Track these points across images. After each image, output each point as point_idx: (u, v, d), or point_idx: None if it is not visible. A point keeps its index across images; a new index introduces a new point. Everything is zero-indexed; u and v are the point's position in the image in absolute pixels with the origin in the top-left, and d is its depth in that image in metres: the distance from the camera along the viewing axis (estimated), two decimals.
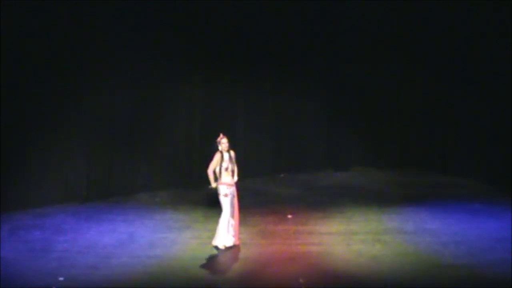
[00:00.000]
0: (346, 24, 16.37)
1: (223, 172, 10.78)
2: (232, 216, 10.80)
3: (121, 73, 14.09)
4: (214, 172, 10.76)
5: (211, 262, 10.36)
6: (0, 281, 9.30)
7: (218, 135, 10.87)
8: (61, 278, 9.48)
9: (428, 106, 16.35)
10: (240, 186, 14.39)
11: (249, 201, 13.85)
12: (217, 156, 10.79)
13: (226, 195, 10.74)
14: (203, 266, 10.23)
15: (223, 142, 10.79)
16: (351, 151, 17.05)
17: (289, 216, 12.72)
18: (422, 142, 16.56)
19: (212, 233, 10.92)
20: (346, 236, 11.45)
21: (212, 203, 11.48)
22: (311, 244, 11.09)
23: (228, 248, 10.73)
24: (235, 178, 10.94)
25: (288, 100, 16.39)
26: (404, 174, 16.18)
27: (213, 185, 10.75)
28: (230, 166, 10.81)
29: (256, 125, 15.96)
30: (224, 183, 10.77)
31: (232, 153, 10.90)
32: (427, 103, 16.34)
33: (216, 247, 10.74)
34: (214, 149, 10.81)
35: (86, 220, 12.49)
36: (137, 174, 14.60)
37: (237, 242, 10.92)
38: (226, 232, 10.74)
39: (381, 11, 16.22)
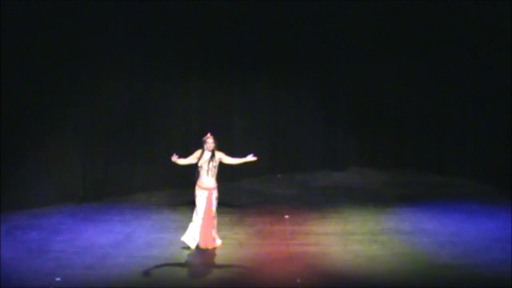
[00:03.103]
0: (344, 24, 16.36)
1: (201, 172, 10.72)
2: (201, 218, 10.71)
3: (117, 73, 14.09)
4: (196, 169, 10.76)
5: (208, 262, 10.37)
6: None
7: (206, 134, 10.85)
8: (58, 279, 9.47)
9: (425, 106, 16.35)
10: (237, 186, 14.48)
11: (246, 201, 13.89)
12: (196, 153, 10.74)
13: (194, 196, 10.72)
14: (200, 266, 10.25)
15: (208, 142, 10.71)
16: (348, 151, 17.05)
17: (286, 217, 12.72)
18: (419, 142, 16.55)
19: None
20: (343, 237, 11.46)
21: None
22: (308, 244, 11.09)
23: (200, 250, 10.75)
24: (249, 158, 10.75)
25: (285, 100, 16.40)
26: (401, 174, 16.19)
27: (176, 159, 10.64)
28: (205, 166, 10.66)
29: (252, 125, 15.95)
30: (198, 185, 10.74)
31: (218, 154, 10.74)
32: (424, 103, 16.33)
33: (183, 242, 10.78)
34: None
35: (83, 221, 12.48)
36: (134, 174, 14.60)
37: (209, 245, 10.78)
38: (192, 230, 10.72)
39: (379, 12, 16.21)
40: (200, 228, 10.72)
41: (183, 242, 10.77)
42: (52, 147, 13.49)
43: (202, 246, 10.75)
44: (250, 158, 10.79)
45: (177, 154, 10.68)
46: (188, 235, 10.77)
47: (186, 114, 15.15)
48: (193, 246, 10.74)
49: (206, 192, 10.71)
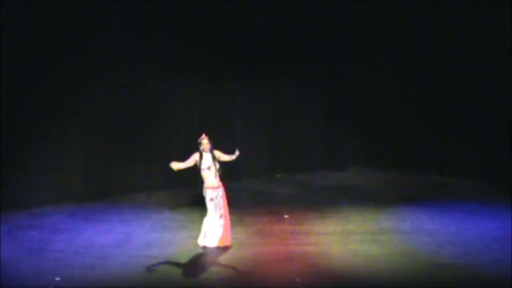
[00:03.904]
0: (344, 24, 16.35)
1: (206, 172, 10.69)
2: (220, 217, 10.77)
3: (117, 73, 14.09)
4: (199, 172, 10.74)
5: (208, 262, 10.38)
6: None
7: (201, 135, 10.83)
8: (58, 278, 9.48)
9: (425, 106, 16.33)
10: (237, 186, 14.47)
11: (246, 201, 13.88)
12: (194, 156, 10.72)
13: (211, 199, 10.73)
14: (200, 266, 10.24)
15: (203, 143, 10.69)
16: (348, 151, 17.04)
17: (286, 216, 12.71)
18: (419, 142, 16.54)
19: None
20: (343, 236, 11.45)
21: None
22: (308, 244, 11.09)
23: (218, 248, 10.78)
24: (235, 154, 10.72)
25: (285, 100, 16.38)
26: (401, 174, 16.17)
27: (174, 166, 10.60)
28: (212, 169, 10.66)
29: (253, 126, 15.94)
30: (209, 187, 10.73)
31: (217, 153, 10.74)
32: (424, 102, 16.32)
33: (204, 247, 10.78)
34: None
35: (83, 220, 12.48)
36: (134, 174, 14.60)
37: (228, 243, 10.87)
38: (212, 232, 10.75)
39: (379, 11, 16.20)
40: (222, 228, 10.78)
41: (204, 247, 10.80)
42: (52, 147, 13.50)
43: (222, 244, 10.81)
44: (237, 153, 10.75)
45: (176, 158, 10.69)
46: (208, 237, 10.82)
47: (186, 114, 15.15)
48: (216, 245, 10.83)
49: (220, 190, 10.78)
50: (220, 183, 10.82)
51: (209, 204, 10.76)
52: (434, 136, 16.28)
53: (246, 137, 15.75)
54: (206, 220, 10.83)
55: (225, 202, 10.89)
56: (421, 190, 14.72)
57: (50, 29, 13.13)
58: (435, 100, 16.11)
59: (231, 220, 11.09)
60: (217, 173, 10.74)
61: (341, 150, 16.93)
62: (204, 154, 10.70)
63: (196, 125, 15.02)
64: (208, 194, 10.75)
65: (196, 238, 10.98)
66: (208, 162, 10.69)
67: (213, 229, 10.78)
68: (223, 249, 10.75)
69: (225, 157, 10.82)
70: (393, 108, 16.75)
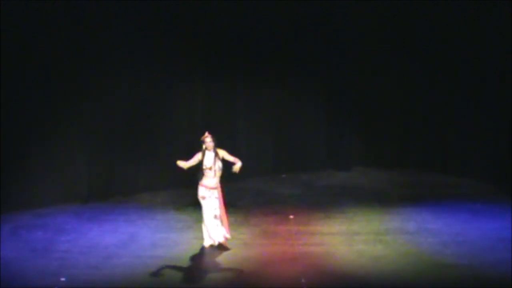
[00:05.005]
0: (346, 24, 16.33)
1: (207, 172, 10.65)
2: (215, 217, 10.71)
3: (121, 73, 14.09)
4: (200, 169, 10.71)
5: (213, 262, 10.38)
6: (1, 281, 9.32)
7: (204, 133, 10.82)
8: (62, 279, 9.49)
9: (429, 106, 16.33)
10: (241, 186, 14.46)
11: (251, 201, 13.87)
12: (197, 155, 10.69)
13: (203, 198, 10.70)
14: (205, 266, 10.26)
15: (206, 141, 10.65)
16: (352, 151, 17.03)
17: (291, 217, 12.71)
18: (423, 142, 16.53)
19: None
20: (348, 237, 11.45)
21: None
22: (312, 244, 11.09)
23: (219, 246, 10.80)
24: (238, 164, 10.57)
25: (289, 100, 16.36)
26: (405, 174, 16.15)
27: (181, 164, 10.58)
28: (213, 166, 10.62)
29: (257, 125, 15.94)
30: (203, 185, 10.71)
31: (221, 152, 10.69)
32: (428, 102, 16.32)
33: (211, 246, 10.79)
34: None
35: (88, 220, 12.49)
36: (138, 174, 14.59)
37: (225, 239, 10.88)
38: (211, 231, 10.73)
39: (381, 11, 16.19)
40: (219, 227, 10.76)
41: (210, 246, 10.80)
42: (56, 147, 13.51)
43: (227, 238, 10.85)
44: (239, 164, 10.58)
45: (180, 158, 10.67)
46: (208, 237, 10.81)
47: (190, 114, 15.14)
48: (222, 240, 10.82)
49: (215, 192, 10.72)
50: (218, 185, 10.74)
51: (202, 202, 10.73)
52: (438, 135, 16.26)
53: (250, 137, 15.76)
54: (204, 220, 10.82)
55: (221, 204, 10.81)
56: (425, 190, 14.70)
57: (51, 29, 13.13)
58: (438, 100, 16.10)
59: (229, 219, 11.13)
60: (217, 174, 10.68)
61: (345, 150, 16.91)
62: (206, 152, 10.68)
63: (200, 124, 15.00)
64: (201, 191, 10.71)
65: (201, 238, 10.98)
66: (209, 161, 10.64)
67: (212, 229, 10.75)
68: (226, 248, 10.77)
69: (230, 158, 10.79)
70: (396, 108, 16.74)
